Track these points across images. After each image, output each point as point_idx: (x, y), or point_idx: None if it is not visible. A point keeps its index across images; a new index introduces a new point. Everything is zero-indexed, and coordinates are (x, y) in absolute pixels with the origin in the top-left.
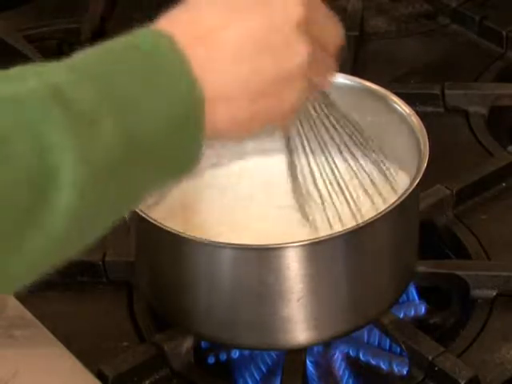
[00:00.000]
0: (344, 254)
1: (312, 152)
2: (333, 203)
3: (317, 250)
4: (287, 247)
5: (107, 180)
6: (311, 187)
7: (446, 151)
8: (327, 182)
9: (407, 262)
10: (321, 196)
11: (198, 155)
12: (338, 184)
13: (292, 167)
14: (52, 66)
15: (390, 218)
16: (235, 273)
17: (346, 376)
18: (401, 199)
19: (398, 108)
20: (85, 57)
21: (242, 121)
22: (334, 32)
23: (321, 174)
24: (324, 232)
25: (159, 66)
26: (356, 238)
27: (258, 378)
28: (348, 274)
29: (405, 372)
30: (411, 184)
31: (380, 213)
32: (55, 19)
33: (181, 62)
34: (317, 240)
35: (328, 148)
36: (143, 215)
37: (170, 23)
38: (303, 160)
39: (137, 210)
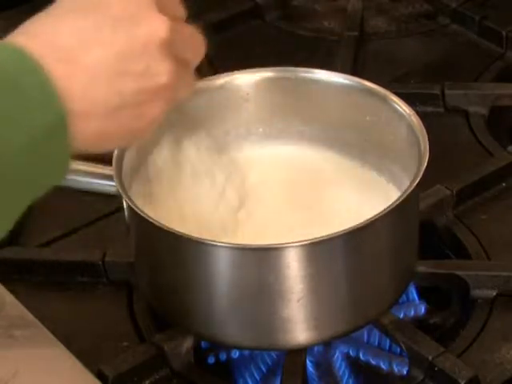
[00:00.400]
0: (344, 254)
1: None
2: None
3: (317, 250)
4: (287, 247)
5: None
6: None
7: (446, 151)
8: None
9: (407, 262)
10: None
11: (66, 168)
12: None
13: None
14: None
15: (390, 217)
16: (235, 273)
17: (346, 376)
18: (401, 199)
19: (398, 108)
20: None
21: (102, 135)
22: (196, 49)
23: None
24: None
25: (18, 88)
26: (356, 238)
27: (257, 378)
28: (348, 274)
29: (405, 372)
30: (411, 184)
31: (380, 213)
32: None
33: (41, 82)
34: (317, 240)
35: None
36: (143, 215)
37: (30, 37)
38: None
39: (137, 210)
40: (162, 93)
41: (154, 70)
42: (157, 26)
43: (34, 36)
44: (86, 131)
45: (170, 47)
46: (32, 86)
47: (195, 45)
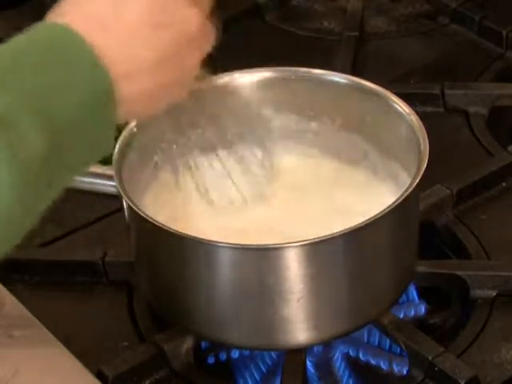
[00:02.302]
0: (344, 254)
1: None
2: None
3: (317, 250)
4: (287, 247)
5: (38, 174)
6: None
7: (446, 151)
8: None
9: (407, 262)
10: None
11: (113, 133)
12: None
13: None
14: None
15: (390, 218)
16: (235, 273)
17: (346, 376)
18: (401, 199)
19: (398, 108)
20: None
21: (149, 93)
22: None
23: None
24: None
25: (61, 55)
26: (356, 238)
27: (257, 378)
28: (348, 273)
29: (405, 372)
30: (411, 184)
31: (380, 213)
32: None
33: (84, 52)
34: (317, 240)
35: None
36: (143, 215)
37: (65, 12)
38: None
39: (137, 210)
40: (195, 40)
41: (184, 17)
42: None
43: (70, 12)
44: (133, 91)
45: None
46: (74, 55)
47: None
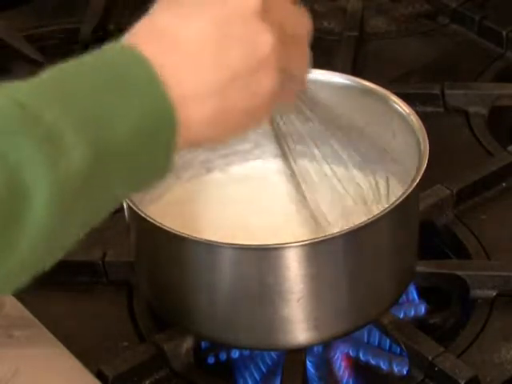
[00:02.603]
0: (344, 254)
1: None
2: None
3: (317, 250)
4: (287, 247)
5: (77, 195)
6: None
7: (446, 151)
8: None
9: (407, 262)
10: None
11: (170, 161)
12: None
13: (289, 170)
14: (17, 84)
15: (390, 218)
16: (235, 273)
17: (346, 376)
18: (401, 199)
19: (398, 108)
20: (52, 73)
21: (215, 119)
22: (299, 20)
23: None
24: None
25: (124, 77)
26: (356, 237)
27: (257, 378)
28: (348, 274)
29: (405, 372)
30: (411, 184)
31: (380, 213)
32: (55, 19)
33: (146, 72)
34: (317, 240)
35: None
36: (143, 215)
37: (131, 34)
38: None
39: (137, 210)
40: (269, 60)
41: (256, 37)
42: None
43: (135, 31)
44: (201, 116)
45: (266, 14)
46: (135, 76)
47: (296, 14)
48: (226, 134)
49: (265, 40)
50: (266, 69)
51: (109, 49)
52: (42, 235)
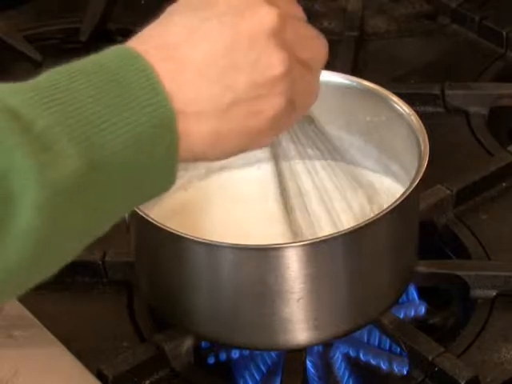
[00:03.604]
0: (344, 254)
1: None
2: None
3: (317, 250)
4: (287, 247)
5: (72, 204)
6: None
7: (446, 151)
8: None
9: (407, 261)
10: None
11: (172, 174)
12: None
13: (279, 175)
14: (11, 87)
15: (390, 217)
16: (235, 273)
17: (346, 376)
18: (401, 199)
19: (398, 108)
20: (47, 77)
21: (214, 138)
22: (316, 46)
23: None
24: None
25: (124, 86)
26: (356, 238)
27: (258, 378)
28: (348, 273)
29: (405, 372)
30: (411, 184)
31: (380, 213)
32: (55, 19)
33: (148, 80)
34: (317, 240)
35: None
36: (143, 215)
37: (139, 41)
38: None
39: (137, 210)
40: (277, 86)
41: (266, 60)
42: (262, 16)
43: (142, 38)
44: (201, 132)
45: (281, 38)
46: (137, 84)
47: (314, 45)
48: (223, 153)
49: (275, 65)
50: (272, 95)
51: (110, 53)
52: (30, 243)
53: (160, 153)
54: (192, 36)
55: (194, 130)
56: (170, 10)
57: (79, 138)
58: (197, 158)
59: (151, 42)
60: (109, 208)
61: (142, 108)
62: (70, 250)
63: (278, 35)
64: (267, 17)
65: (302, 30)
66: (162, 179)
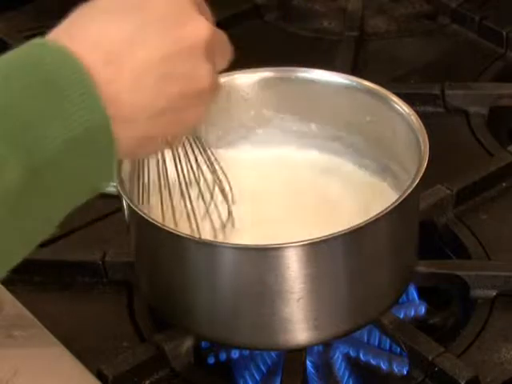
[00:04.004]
0: (344, 254)
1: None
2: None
3: (317, 250)
4: (287, 247)
5: (9, 210)
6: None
7: (446, 151)
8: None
9: (407, 261)
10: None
11: (110, 172)
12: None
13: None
14: None
15: (390, 217)
16: (235, 273)
17: (346, 376)
18: (401, 199)
19: (398, 108)
20: None
21: (143, 140)
22: (224, 54)
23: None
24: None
25: (59, 88)
26: (356, 238)
27: (258, 378)
28: (348, 274)
29: (405, 372)
30: (411, 184)
31: (380, 213)
32: (55, 19)
33: (82, 83)
34: (317, 240)
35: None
36: (143, 215)
37: (73, 39)
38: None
39: (137, 210)
40: (203, 96)
41: (198, 72)
42: (201, 28)
43: (78, 38)
44: (130, 136)
45: (211, 50)
46: (73, 87)
47: (224, 50)
48: (142, 156)
49: (205, 77)
50: (197, 106)
51: (44, 50)
52: None
53: (96, 155)
54: (130, 43)
55: (122, 135)
56: (95, 4)
57: (15, 144)
58: (123, 157)
59: (88, 43)
60: (50, 208)
61: (75, 113)
62: (16, 254)
63: (210, 47)
64: (204, 30)
65: (222, 38)
66: (101, 177)
